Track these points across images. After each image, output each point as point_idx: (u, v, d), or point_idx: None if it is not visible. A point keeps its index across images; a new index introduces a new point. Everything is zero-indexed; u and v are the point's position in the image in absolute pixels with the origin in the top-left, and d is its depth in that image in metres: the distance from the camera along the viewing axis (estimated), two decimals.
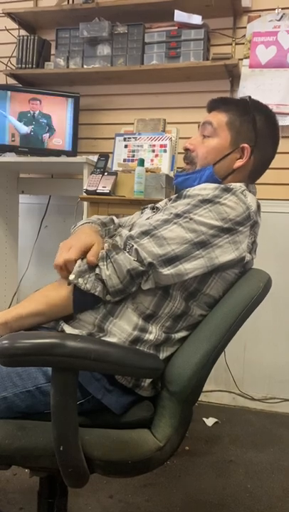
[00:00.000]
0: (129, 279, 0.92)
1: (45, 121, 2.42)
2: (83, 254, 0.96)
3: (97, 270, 0.93)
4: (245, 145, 1.10)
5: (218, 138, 1.11)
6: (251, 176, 1.14)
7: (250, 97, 1.14)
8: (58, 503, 1.07)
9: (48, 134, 2.43)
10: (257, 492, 1.63)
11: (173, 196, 1.07)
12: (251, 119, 1.10)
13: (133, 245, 0.93)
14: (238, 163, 1.10)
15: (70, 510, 1.16)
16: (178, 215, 0.96)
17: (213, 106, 1.17)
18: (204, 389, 0.99)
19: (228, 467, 1.79)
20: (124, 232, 0.99)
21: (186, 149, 1.15)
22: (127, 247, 0.93)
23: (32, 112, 2.42)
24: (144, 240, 0.93)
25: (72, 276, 0.92)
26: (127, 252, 0.93)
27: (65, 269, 0.96)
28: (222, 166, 1.10)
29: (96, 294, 0.92)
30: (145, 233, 0.94)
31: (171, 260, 0.93)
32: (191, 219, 0.95)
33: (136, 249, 0.92)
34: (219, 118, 1.12)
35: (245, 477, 1.72)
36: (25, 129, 2.43)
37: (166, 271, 0.92)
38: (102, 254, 0.94)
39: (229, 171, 1.11)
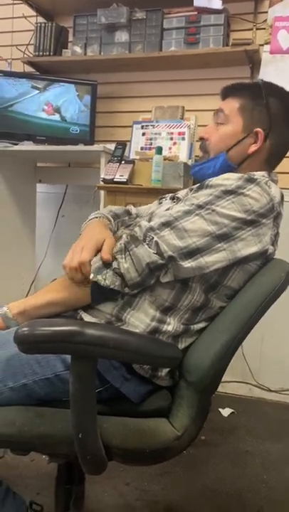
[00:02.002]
0: (148, 272, 0.91)
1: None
2: (96, 253, 0.94)
3: (115, 264, 0.91)
4: (259, 129, 1.08)
5: (230, 124, 1.10)
6: (269, 161, 1.11)
7: (262, 80, 1.13)
8: (75, 490, 1.08)
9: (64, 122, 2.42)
10: (273, 483, 1.62)
11: (194, 186, 1.04)
12: (264, 103, 1.08)
13: (153, 237, 0.91)
14: (253, 148, 1.08)
15: (87, 497, 1.17)
16: (200, 207, 0.94)
17: (227, 93, 1.15)
18: None
19: (244, 457, 1.78)
20: (144, 223, 0.97)
21: (202, 138, 1.14)
22: (147, 239, 0.92)
23: None
24: (164, 232, 0.92)
25: (91, 275, 0.91)
26: (147, 244, 0.91)
27: (79, 271, 0.94)
28: (236, 152, 1.09)
29: (115, 288, 0.91)
30: (166, 224, 0.93)
31: (192, 253, 0.91)
32: (213, 210, 0.92)
33: (156, 241, 0.91)
34: (231, 104, 1.11)
35: (262, 468, 1.71)
36: None
37: (187, 263, 0.91)
38: (121, 246, 0.93)
39: (244, 156, 1.09)
